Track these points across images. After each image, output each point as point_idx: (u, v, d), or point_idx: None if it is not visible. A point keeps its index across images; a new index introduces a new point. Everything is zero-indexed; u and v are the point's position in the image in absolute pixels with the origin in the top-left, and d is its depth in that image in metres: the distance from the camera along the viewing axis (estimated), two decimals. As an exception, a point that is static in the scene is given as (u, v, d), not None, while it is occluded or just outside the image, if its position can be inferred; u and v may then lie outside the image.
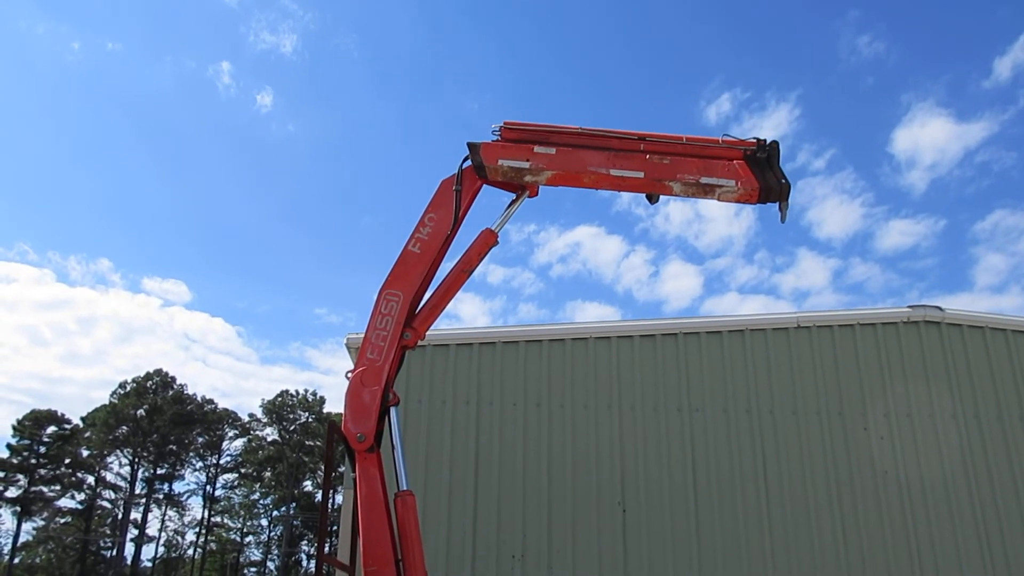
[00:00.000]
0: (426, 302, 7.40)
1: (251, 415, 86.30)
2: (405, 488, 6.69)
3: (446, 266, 7.63)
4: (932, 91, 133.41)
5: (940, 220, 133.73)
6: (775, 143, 7.34)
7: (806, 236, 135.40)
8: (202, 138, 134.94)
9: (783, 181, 7.31)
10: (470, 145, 7.53)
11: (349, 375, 6.99)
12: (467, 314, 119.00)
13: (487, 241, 7.50)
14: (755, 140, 7.33)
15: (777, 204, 7.43)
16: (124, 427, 78.42)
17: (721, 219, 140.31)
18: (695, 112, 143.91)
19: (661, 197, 7.60)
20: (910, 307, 12.54)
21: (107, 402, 79.67)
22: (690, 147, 7.39)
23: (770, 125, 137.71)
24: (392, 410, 6.94)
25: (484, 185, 7.66)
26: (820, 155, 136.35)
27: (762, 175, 7.25)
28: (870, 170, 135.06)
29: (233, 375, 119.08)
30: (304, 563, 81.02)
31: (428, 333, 7.66)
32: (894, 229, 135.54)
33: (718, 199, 7.40)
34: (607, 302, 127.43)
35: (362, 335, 7.17)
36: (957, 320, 12.50)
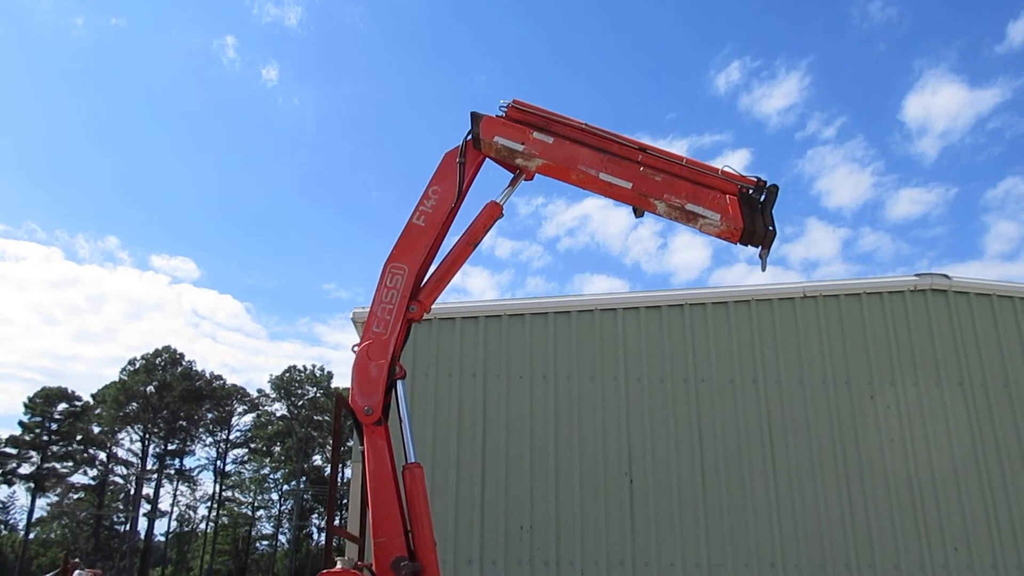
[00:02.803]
0: (431, 275, 7.39)
1: (260, 390, 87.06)
2: (413, 460, 6.73)
3: (451, 239, 7.63)
4: (944, 57, 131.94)
5: (951, 188, 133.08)
6: (774, 187, 7.08)
7: (815, 206, 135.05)
8: (208, 113, 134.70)
9: (770, 228, 7.05)
10: (473, 115, 7.50)
11: (355, 349, 7.01)
12: (475, 288, 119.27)
13: (492, 213, 7.47)
14: (756, 179, 7.10)
15: (759, 249, 7.13)
16: (134, 404, 79.14)
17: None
18: (704, 81, 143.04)
19: (646, 212, 7.38)
20: (917, 275, 12.49)
21: (117, 379, 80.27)
22: (687, 170, 7.18)
23: (780, 94, 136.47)
24: (399, 383, 6.94)
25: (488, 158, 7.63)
26: (830, 124, 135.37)
27: (750, 217, 6.99)
28: (880, 138, 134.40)
29: (243, 351, 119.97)
30: (315, 536, 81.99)
31: (434, 306, 7.66)
32: (904, 198, 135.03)
33: (700, 229, 7.15)
34: (615, 275, 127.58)
35: (368, 309, 7.18)
36: (964, 288, 12.45)
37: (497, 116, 7.59)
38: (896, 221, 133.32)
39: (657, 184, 7.15)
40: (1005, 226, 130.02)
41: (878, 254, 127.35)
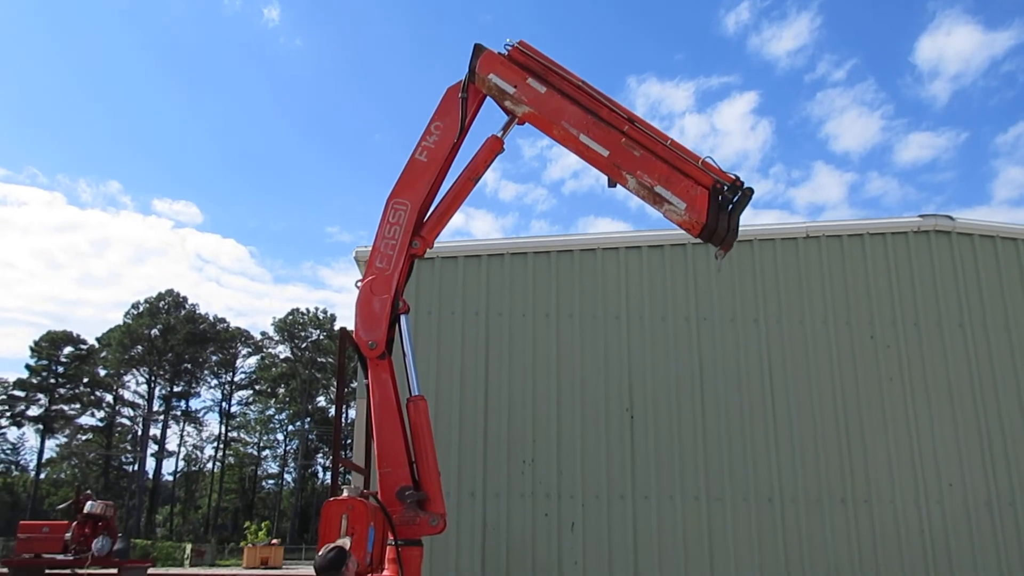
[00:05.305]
0: (433, 210, 7.37)
1: (263, 333, 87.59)
2: (417, 393, 6.82)
3: (454, 176, 7.58)
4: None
5: (961, 133, 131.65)
6: (749, 191, 6.90)
7: (823, 149, 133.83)
8: (209, 54, 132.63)
9: (733, 231, 6.91)
10: (476, 47, 7.39)
11: (359, 284, 7.04)
12: (479, 231, 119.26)
13: (493, 148, 7.41)
14: (734, 177, 6.91)
15: (719, 244, 6.97)
16: (139, 347, 79.81)
17: (736, 133, 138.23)
18: (713, 21, 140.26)
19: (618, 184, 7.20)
20: (920, 216, 12.46)
21: (121, 323, 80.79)
22: (669, 152, 6.98)
23: (790, 35, 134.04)
24: (402, 318, 7.00)
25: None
26: (841, 66, 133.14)
27: (715, 214, 6.82)
28: (891, 81, 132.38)
29: (248, 295, 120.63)
30: (320, 475, 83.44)
31: (437, 245, 7.66)
32: (913, 142, 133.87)
33: (663, 213, 6.98)
34: (620, 217, 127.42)
35: (371, 248, 7.19)
36: (968, 230, 12.43)
37: (499, 54, 7.47)
38: (904, 166, 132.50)
39: (634, 159, 7.00)
40: (1014, 172, 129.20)
41: (885, 199, 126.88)
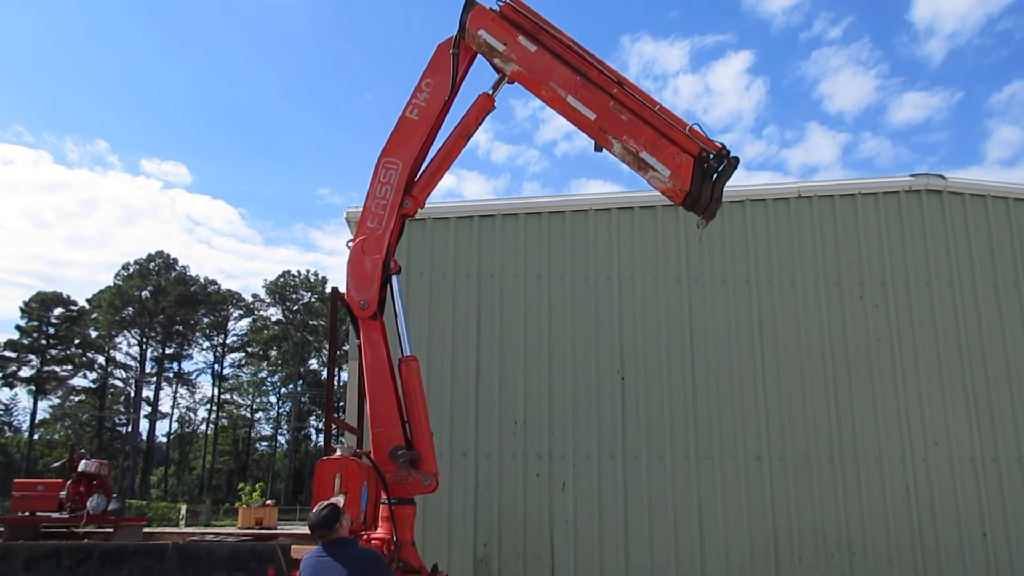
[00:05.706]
0: (425, 169, 7.32)
1: (255, 295, 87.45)
2: (408, 354, 6.84)
3: (445, 135, 7.50)
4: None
5: (956, 92, 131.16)
6: (735, 160, 6.85)
7: (816, 110, 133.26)
8: (196, 11, 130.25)
9: (717, 200, 6.93)
10: (467, 1, 7.27)
11: (350, 244, 7.02)
12: (471, 193, 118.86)
13: (484, 106, 7.34)
14: (720, 146, 6.86)
15: (702, 213, 7.03)
16: (130, 308, 79.57)
17: (731, 93, 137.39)
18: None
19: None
20: (912, 175, 12.44)
21: (111, 284, 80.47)
22: (657, 117, 6.92)
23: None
24: (394, 278, 7.01)
25: None
26: (837, 23, 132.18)
27: (699, 183, 6.81)
28: (887, 39, 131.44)
29: (238, 257, 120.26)
30: (313, 437, 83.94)
31: (428, 205, 7.63)
32: (908, 102, 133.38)
33: (647, 180, 6.97)
34: (612, 180, 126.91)
35: (362, 208, 7.15)
36: (959, 189, 12.43)
37: (491, 9, 7.35)
38: (898, 126, 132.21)
39: (621, 123, 6.93)
40: (1007, 131, 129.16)
41: (878, 160, 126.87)
